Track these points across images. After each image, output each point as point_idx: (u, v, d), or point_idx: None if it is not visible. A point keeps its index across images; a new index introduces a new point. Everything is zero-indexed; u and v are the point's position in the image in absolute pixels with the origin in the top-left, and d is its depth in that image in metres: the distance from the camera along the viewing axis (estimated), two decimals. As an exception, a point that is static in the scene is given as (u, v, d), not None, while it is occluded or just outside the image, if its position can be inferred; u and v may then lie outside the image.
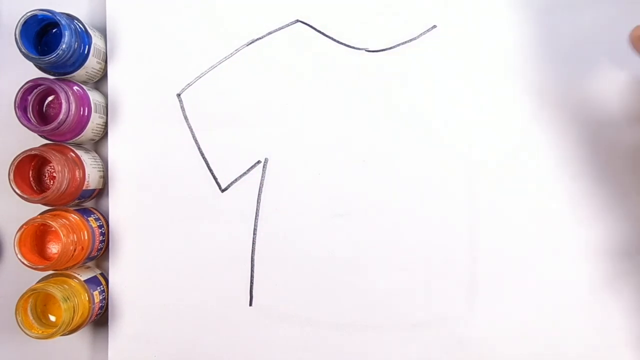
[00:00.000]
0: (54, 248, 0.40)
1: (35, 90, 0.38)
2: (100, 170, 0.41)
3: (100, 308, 0.40)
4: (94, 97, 0.40)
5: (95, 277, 0.41)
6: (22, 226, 0.37)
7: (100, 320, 0.42)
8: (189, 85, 0.42)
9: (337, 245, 0.41)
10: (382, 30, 0.41)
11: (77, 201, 0.40)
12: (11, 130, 0.41)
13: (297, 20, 0.41)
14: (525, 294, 0.40)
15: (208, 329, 0.41)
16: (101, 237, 0.40)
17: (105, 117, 0.41)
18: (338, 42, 0.41)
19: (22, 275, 0.40)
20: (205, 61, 0.41)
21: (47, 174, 0.40)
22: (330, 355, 0.40)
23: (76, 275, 0.39)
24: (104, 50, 0.41)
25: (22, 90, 0.37)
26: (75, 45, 0.38)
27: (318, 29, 0.41)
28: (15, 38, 0.36)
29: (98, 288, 0.40)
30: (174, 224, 0.41)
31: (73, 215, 0.39)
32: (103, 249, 0.41)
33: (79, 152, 0.40)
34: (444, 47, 0.41)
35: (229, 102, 0.41)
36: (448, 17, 0.41)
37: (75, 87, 0.39)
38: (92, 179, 0.40)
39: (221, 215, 0.41)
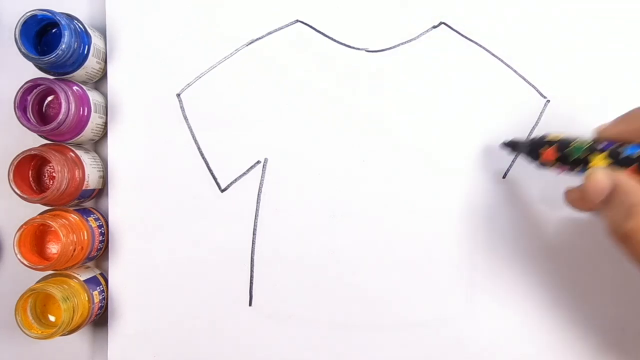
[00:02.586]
0: (53, 248, 0.40)
1: (34, 90, 0.38)
2: (99, 170, 0.41)
3: (100, 308, 0.40)
4: (94, 97, 0.40)
5: (94, 277, 0.41)
6: (21, 226, 0.37)
7: (99, 320, 0.42)
8: (188, 85, 0.41)
9: (337, 245, 0.41)
10: (382, 30, 0.41)
11: (76, 201, 0.40)
12: (11, 130, 0.41)
13: (297, 20, 0.41)
14: (524, 294, 0.40)
15: (208, 329, 0.41)
16: (101, 237, 0.40)
17: (104, 117, 0.41)
18: (338, 42, 0.41)
19: (22, 275, 0.40)
20: (205, 61, 0.41)
21: (46, 174, 0.40)
22: (330, 355, 0.40)
23: (76, 275, 0.39)
24: (104, 50, 0.41)
25: (21, 90, 0.37)
26: (75, 45, 0.38)
27: (318, 29, 0.41)
28: (15, 38, 0.36)
29: (98, 288, 0.40)
30: (174, 224, 0.41)
31: (73, 215, 0.39)
32: (103, 249, 0.41)
33: (78, 152, 0.40)
34: (444, 47, 0.41)
35: (229, 102, 0.41)
36: (448, 18, 0.41)
37: (74, 87, 0.39)
38: (91, 179, 0.40)
39: (221, 215, 0.41)
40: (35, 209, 0.40)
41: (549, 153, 0.34)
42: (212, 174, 0.41)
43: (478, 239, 0.40)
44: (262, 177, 0.41)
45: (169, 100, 0.41)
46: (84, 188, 0.39)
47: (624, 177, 0.31)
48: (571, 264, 0.40)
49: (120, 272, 0.41)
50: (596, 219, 0.36)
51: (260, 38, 0.42)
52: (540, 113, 0.40)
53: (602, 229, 0.40)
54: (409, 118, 0.41)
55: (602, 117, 0.40)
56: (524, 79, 0.41)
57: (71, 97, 0.37)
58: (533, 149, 0.36)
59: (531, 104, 0.40)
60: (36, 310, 0.38)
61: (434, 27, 0.41)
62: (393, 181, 0.41)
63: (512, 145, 0.38)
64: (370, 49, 0.41)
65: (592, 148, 0.33)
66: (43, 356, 0.42)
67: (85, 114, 0.39)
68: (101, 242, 0.40)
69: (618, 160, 0.32)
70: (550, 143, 0.35)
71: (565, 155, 0.34)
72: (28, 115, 0.38)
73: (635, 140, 0.32)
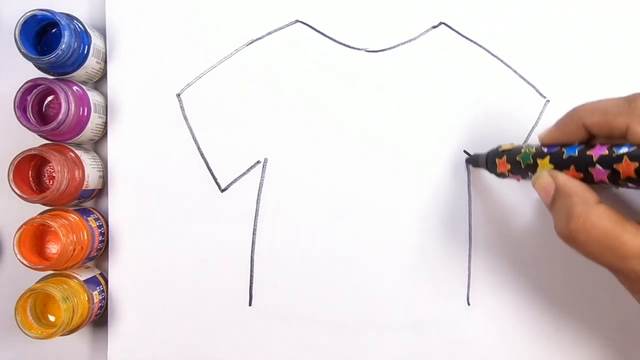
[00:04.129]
0: (53, 248, 0.40)
1: (34, 90, 0.38)
2: (99, 170, 0.41)
3: (100, 308, 0.40)
4: (94, 97, 0.40)
5: (94, 277, 0.41)
6: (21, 226, 0.37)
7: (99, 320, 0.42)
8: (188, 85, 0.42)
9: (337, 245, 0.41)
10: (382, 30, 0.41)
11: (76, 201, 0.40)
12: (11, 130, 0.41)
13: (297, 20, 0.41)
14: (524, 294, 0.40)
15: (208, 329, 0.41)
16: (100, 237, 0.40)
17: (104, 117, 0.41)
18: (338, 42, 0.41)
19: (22, 275, 0.40)
20: (205, 61, 0.41)
21: (46, 174, 0.40)
22: (330, 355, 0.40)
23: (76, 275, 0.39)
24: (104, 50, 0.41)
25: (21, 90, 0.37)
26: (75, 45, 0.38)
27: (318, 29, 0.41)
28: (15, 38, 0.36)
29: (97, 288, 0.40)
30: (174, 224, 0.41)
31: (72, 215, 0.39)
32: (102, 249, 0.41)
33: (78, 152, 0.40)
34: (444, 47, 0.41)
35: (228, 102, 0.41)
36: (448, 18, 0.41)
37: (74, 87, 0.39)
38: (91, 179, 0.40)
39: (221, 215, 0.41)
40: (35, 209, 0.40)
41: (502, 164, 0.35)
42: (212, 174, 0.41)
43: (478, 239, 0.40)
44: (262, 177, 0.41)
45: (169, 100, 0.41)
46: (83, 188, 0.39)
47: (565, 178, 0.31)
48: (571, 264, 0.40)
49: (120, 272, 0.41)
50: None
51: (260, 38, 0.42)
52: (540, 113, 0.40)
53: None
54: (408, 118, 0.41)
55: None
56: (524, 79, 0.41)
57: (71, 97, 0.37)
58: (490, 161, 0.36)
59: (531, 104, 0.40)
60: (36, 310, 0.38)
61: (434, 27, 0.41)
62: (393, 181, 0.41)
63: (474, 161, 0.39)
64: (370, 49, 0.41)
65: (539, 154, 0.33)
66: (43, 356, 0.42)
67: (85, 114, 0.39)
68: (101, 242, 0.40)
69: (561, 162, 0.32)
70: (503, 153, 0.35)
71: (515, 164, 0.34)
72: (28, 115, 0.38)
73: (575, 141, 0.32)
